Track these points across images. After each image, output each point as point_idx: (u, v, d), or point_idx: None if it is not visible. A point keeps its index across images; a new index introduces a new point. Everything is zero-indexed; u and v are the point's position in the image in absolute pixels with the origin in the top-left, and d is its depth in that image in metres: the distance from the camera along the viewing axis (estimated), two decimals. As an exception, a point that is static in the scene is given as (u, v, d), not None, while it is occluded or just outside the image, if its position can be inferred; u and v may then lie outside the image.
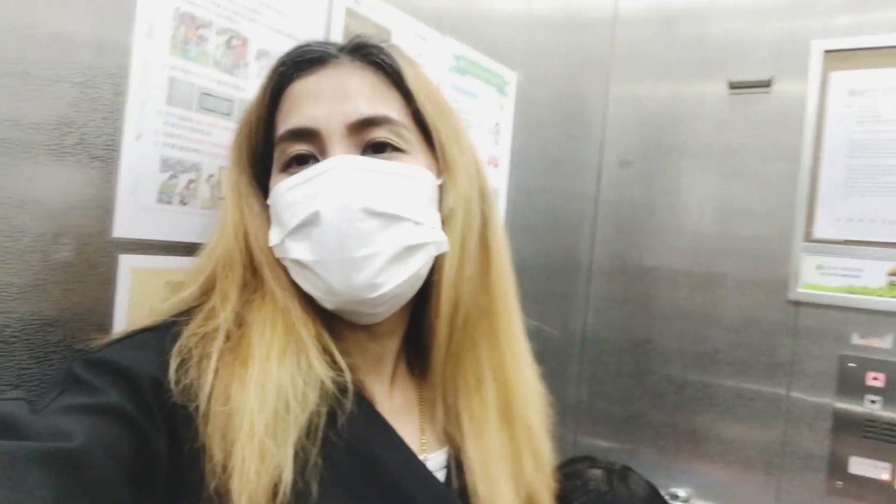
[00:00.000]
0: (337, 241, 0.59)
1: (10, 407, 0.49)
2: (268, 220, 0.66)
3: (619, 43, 1.60)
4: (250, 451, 0.52)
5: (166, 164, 0.72)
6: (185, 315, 0.61)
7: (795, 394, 1.37)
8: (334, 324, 0.65)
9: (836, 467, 1.32)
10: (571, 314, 1.59)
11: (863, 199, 1.33)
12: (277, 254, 0.64)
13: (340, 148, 0.62)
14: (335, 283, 0.60)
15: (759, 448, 1.39)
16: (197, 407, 0.54)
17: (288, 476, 0.53)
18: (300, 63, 0.65)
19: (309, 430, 0.56)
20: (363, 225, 0.59)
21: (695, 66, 1.51)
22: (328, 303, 0.62)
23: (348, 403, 0.59)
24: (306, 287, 0.63)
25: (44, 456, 0.42)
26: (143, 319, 0.62)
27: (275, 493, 0.52)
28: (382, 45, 0.67)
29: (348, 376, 0.61)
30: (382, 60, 0.66)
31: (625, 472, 1.21)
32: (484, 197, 0.70)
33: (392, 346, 0.70)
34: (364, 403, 0.63)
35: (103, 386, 0.51)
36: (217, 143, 0.76)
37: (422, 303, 0.68)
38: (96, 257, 0.67)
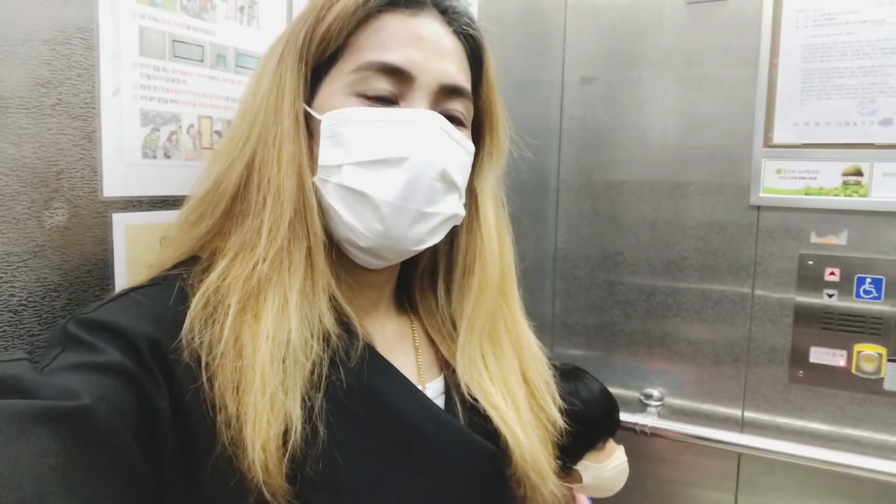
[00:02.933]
0: (414, 191, 0.60)
1: (15, 367, 0.50)
2: (307, 135, 0.62)
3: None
4: (262, 403, 0.53)
5: (146, 118, 0.71)
6: (184, 266, 0.60)
7: (759, 292, 1.44)
8: (338, 266, 0.65)
9: (798, 358, 1.41)
10: (543, 232, 1.63)
11: (818, 103, 1.37)
12: (323, 174, 0.61)
13: (424, 103, 0.62)
14: (395, 228, 0.61)
15: (727, 345, 1.48)
16: (206, 361, 0.54)
17: (298, 423, 0.54)
18: None
19: (313, 376, 0.57)
20: (437, 185, 0.62)
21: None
22: (365, 241, 0.62)
23: (351, 350, 0.61)
24: (351, 218, 0.61)
25: (52, 414, 0.42)
26: (141, 276, 0.62)
27: (285, 440, 0.54)
28: (471, 16, 0.69)
29: (357, 325, 0.62)
30: (471, 34, 0.68)
31: (578, 372, 1.26)
32: (500, 183, 0.76)
33: (388, 289, 0.74)
34: (363, 344, 0.64)
35: (102, 344, 0.51)
36: (194, 91, 0.75)
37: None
38: (90, 219, 0.66)
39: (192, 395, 0.53)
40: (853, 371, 1.37)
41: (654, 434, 1.47)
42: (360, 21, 0.62)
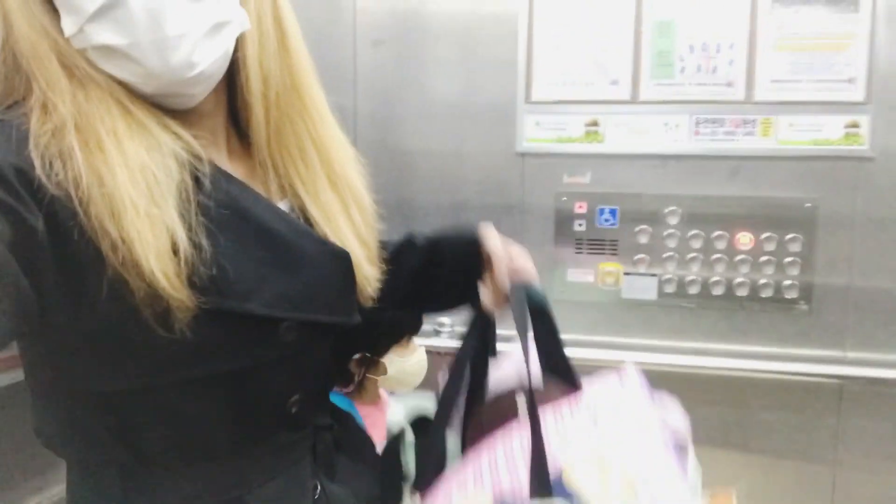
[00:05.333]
0: (148, 20, 0.58)
1: None
2: (55, 14, 0.61)
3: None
4: (141, 222, 0.56)
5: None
6: (8, 111, 0.60)
7: (525, 224, 1.72)
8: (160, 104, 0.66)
9: (558, 279, 1.71)
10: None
11: (565, 67, 1.69)
12: (76, 44, 0.60)
13: None
14: (153, 64, 0.60)
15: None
16: (74, 198, 0.55)
17: (181, 233, 0.58)
18: None
19: (181, 196, 0.60)
20: (172, 2, 0.59)
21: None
22: (146, 86, 0.62)
23: (206, 168, 0.63)
24: (120, 73, 0.61)
25: None
26: None
27: (175, 251, 0.57)
28: None
29: (194, 143, 0.64)
30: None
31: None
32: None
33: (219, 121, 0.73)
34: (216, 167, 0.66)
35: None
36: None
37: (235, 85, 0.71)
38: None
39: (68, 224, 0.55)
40: (599, 285, 1.70)
41: (447, 353, 1.66)
42: None
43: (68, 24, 0.60)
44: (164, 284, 0.56)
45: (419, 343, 1.43)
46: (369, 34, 1.77)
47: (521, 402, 0.75)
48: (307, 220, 0.74)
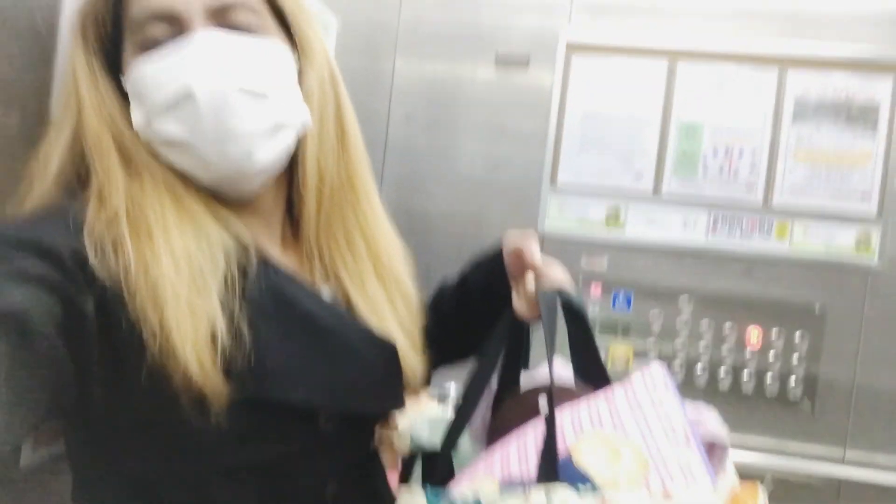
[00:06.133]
0: (212, 115, 0.61)
1: None
2: (125, 103, 0.66)
3: (404, 16, 1.84)
4: (181, 311, 0.57)
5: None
6: (68, 199, 0.62)
7: (543, 303, 1.77)
8: (217, 193, 0.68)
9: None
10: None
11: (591, 156, 1.76)
12: (144, 136, 0.64)
13: (201, 28, 0.63)
14: (212, 155, 0.62)
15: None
16: (123, 286, 0.57)
17: (221, 323, 0.59)
18: None
19: (227, 285, 0.61)
20: (236, 100, 0.62)
21: (470, 44, 1.81)
22: (204, 177, 0.65)
23: (251, 258, 0.65)
24: (182, 164, 0.64)
25: None
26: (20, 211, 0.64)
27: (213, 340, 0.58)
28: None
29: (244, 234, 0.66)
30: None
31: None
32: (334, 79, 0.76)
33: (273, 211, 0.75)
34: (266, 259, 0.68)
35: (25, 257, 0.53)
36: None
37: (294, 176, 0.74)
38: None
39: (116, 311, 0.57)
40: (609, 366, 1.74)
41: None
42: None
43: (137, 116, 0.64)
44: (199, 373, 0.57)
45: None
46: (403, 108, 1.84)
47: (544, 402, 0.72)
48: (351, 309, 0.74)
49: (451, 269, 1.81)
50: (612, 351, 1.73)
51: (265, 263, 0.67)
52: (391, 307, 0.78)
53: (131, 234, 0.59)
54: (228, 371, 0.59)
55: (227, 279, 0.62)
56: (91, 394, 0.56)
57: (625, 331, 1.73)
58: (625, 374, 1.70)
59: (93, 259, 0.56)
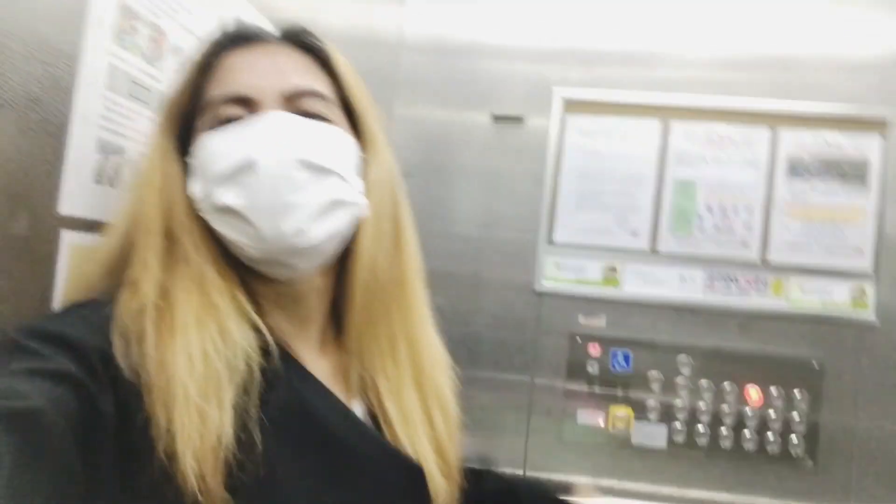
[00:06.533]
0: (271, 186, 0.62)
1: None
2: (185, 178, 0.67)
3: (403, 67, 1.84)
4: (188, 415, 0.56)
5: (102, 146, 0.75)
6: (111, 289, 0.62)
7: (539, 358, 1.74)
8: (256, 284, 0.68)
9: (568, 420, 1.71)
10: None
11: (587, 214, 1.75)
12: (200, 205, 0.65)
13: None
14: (265, 227, 0.62)
15: (511, 411, 1.73)
16: (142, 379, 0.56)
17: (228, 432, 0.57)
18: (236, 38, 0.70)
19: (245, 390, 0.59)
20: (296, 173, 0.63)
21: (467, 97, 1.81)
22: (254, 250, 0.64)
23: (275, 362, 0.63)
24: (232, 235, 0.64)
25: (1, 415, 0.44)
26: (77, 296, 0.64)
27: (218, 451, 0.56)
28: (311, 31, 0.73)
29: (269, 337, 0.64)
30: (313, 44, 0.72)
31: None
32: (395, 180, 0.77)
33: (316, 309, 0.73)
34: (293, 361, 0.66)
35: (50, 353, 0.52)
36: (139, 130, 0.80)
37: (343, 275, 0.73)
38: (44, 233, 0.68)
39: (133, 408, 0.55)
40: (609, 429, 1.71)
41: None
42: (202, 69, 0.68)
43: (197, 187, 0.65)
44: (196, 485, 0.54)
45: None
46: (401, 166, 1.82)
47: None
48: (385, 420, 0.72)
49: (445, 329, 1.78)
50: (612, 412, 1.70)
51: (292, 367, 0.65)
52: (427, 421, 0.76)
53: (156, 329, 0.59)
54: (231, 484, 0.56)
55: (246, 384, 0.60)
56: (96, 491, 0.53)
57: (624, 392, 1.70)
58: (625, 435, 1.69)
59: (118, 354, 0.56)
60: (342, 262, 0.72)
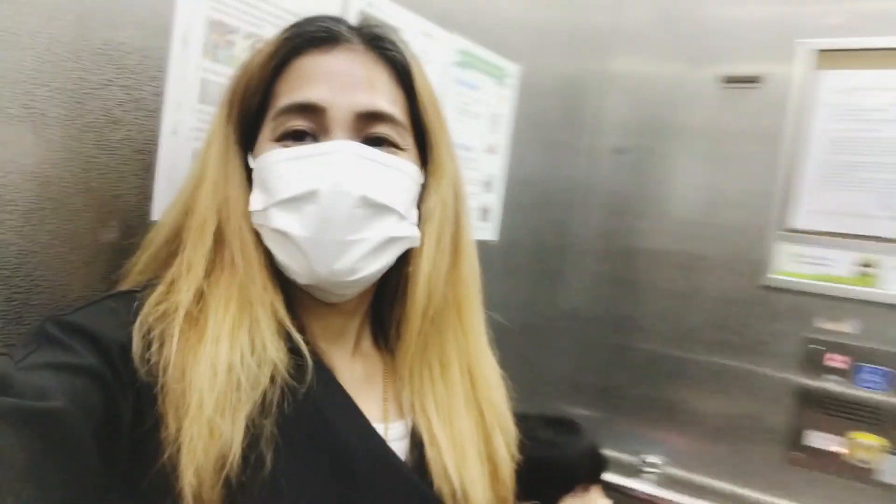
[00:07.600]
0: (330, 222, 0.61)
1: None
2: (247, 183, 0.67)
3: (621, 23, 1.66)
4: (198, 428, 0.55)
5: (196, 156, 0.81)
6: (150, 280, 0.64)
7: (763, 370, 1.48)
8: (298, 296, 0.68)
9: (791, 440, 1.44)
10: (560, 291, 1.69)
11: (838, 194, 1.42)
12: (256, 220, 0.65)
13: (343, 133, 0.63)
14: (318, 263, 0.62)
15: (727, 420, 1.51)
16: (158, 381, 0.56)
17: (236, 450, 0.55)
18: (313, 39, 0.66)
19: (263, 404, 0.58)
20: (358, 212, 0.62)
21: (692, 55, 1.58)
22: (302, 278, 0.64)
23: (306, 377, 0.62)
24: (284, 259, 0.64)
25: (24, 414, 0.45)
26: (121, 285, 0.67)
27: (222, 468, 0.55)
28: (396, 39, 0.70)
29: (306, 352, 0.63)
30: (395, 56, 0.69)
31: (571, 425, 1.27)
32: (459, 198, 0.74)
33: (355, 321, 0.73)
34: (324, 373, 0.65)
35: (76, 347, 0.53)
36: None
37: (387, 282, 0.72)
38: (138, 240, 0.76)
39: (148, 406, 0.56)
40: (848, 458, 1.39)
41: (648, 501, 1.50)
42: (276, 69, 0.66)
43: (257, 201, 0.65)
44: (194, 499, 0.54)
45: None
46: (611, 139, 1.68)
47: None
48: (432, 440, 0.69)
49: (653, 326, 1.61)
50: (852, 441, 1.38)
51: (322, 380, 0.64)
52: (484, 440, 0.74)
53: (182, 332, 0.59)
54: (235, 498, 0.56)
55: (266, 397, 0.59)
56: (114, 488, 0.55)
57: (873, 417, 1.37)
58: (869, 469, 1.35)
59: (135, 354, 0.56)
60: (388, 273, 0.70)
